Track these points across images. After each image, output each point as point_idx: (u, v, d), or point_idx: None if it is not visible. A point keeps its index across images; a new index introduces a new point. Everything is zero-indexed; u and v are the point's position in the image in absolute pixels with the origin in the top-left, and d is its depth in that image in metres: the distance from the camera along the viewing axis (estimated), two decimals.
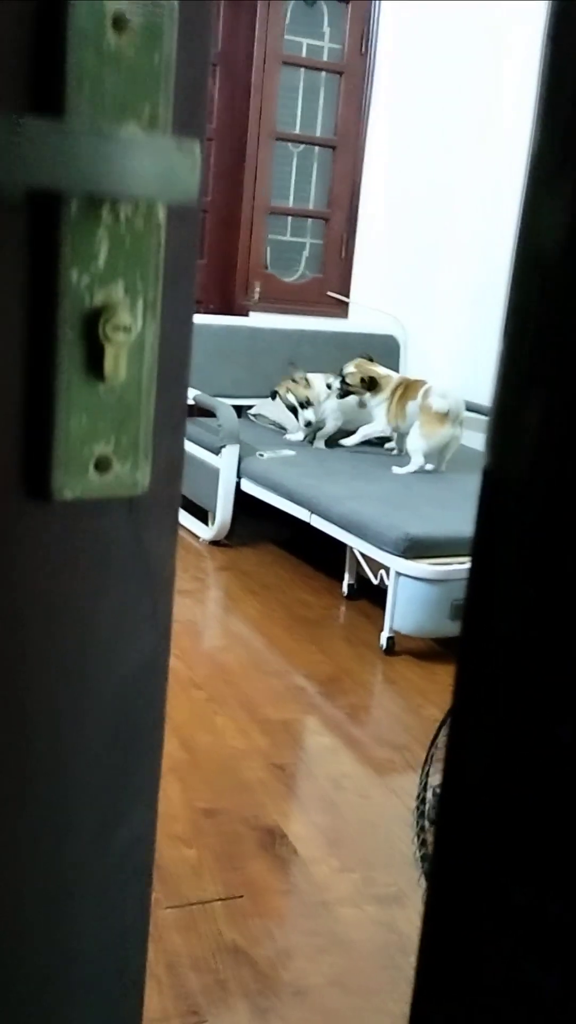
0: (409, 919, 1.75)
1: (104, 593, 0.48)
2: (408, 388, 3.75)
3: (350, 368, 3.83)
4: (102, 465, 0.45)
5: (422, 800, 1.77)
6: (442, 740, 1.92)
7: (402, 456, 3.76)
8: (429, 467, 3.61)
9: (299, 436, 3.99)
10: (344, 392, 3.82)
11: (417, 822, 1.77)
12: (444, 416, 3.53)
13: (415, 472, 3.55)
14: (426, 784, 1.79)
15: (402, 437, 3.82)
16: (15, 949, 0.50)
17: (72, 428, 0.43)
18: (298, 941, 1.66)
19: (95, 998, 0.54)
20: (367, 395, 3.79)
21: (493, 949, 0.45)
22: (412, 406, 3.69)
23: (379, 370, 3.83)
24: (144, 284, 0.43)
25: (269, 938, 1.66)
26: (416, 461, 3.56)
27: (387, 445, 4.02)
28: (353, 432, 3.90)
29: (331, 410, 3.92)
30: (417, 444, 3.58)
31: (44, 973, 0.52)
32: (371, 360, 3.88)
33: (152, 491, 0.47)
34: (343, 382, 3.81)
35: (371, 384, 3.77)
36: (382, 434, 3.83)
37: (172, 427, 0.47)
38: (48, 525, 0.45)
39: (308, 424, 3.93)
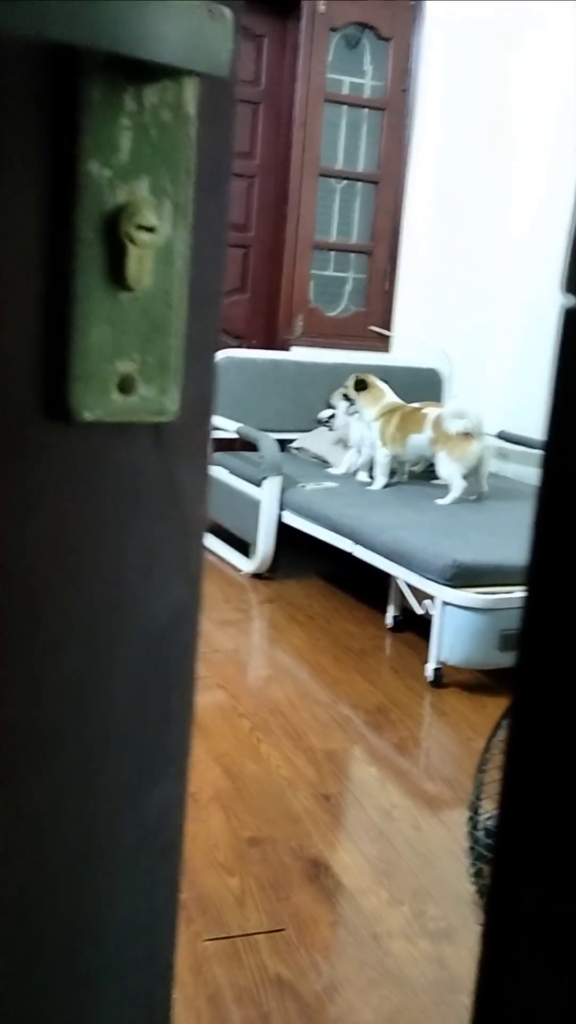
0: (460, 956, 1.66)
1: (130, 532, 0.44)
2: (407, 419, 3.65)
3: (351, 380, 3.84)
4: (126, 385, 0.41)
5: (474, 829, 1.69)
6: (490, 770, 1.84)
7: (444, 488, 3.68)
8: (472, 497, 3.53)
9: (342, 469, 3.96)
10: (348, 400, 3.82)
11: (472, 852, 1.69)
12: (467, 435, 3.48)
13: (458, 500, 3.48)
14: (476, 815, 1.71)
15: (402, 464, 3.80)
16: (34, 927, 0.46)
17: (93, 341, 0.40)
18: (346, 974, 1.59)
19: (121, 983, 0.49)
20: (356, 396, 3.75)
21: (555, 984, 0.40)
22: (419, 439, 3.60)
23: (372, 379, 3.79)
24: (173, 184, 0.40)
25: (315, 971, 1.59)
26: (456, 486, 3.49)
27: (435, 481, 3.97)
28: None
29: (344, 423, 3.91)
30: (451, 470, 3.52)
31: (66, 955, 0.47)
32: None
33: (182, 421, 0.44)
34: (344, 396, 3.83)
35: (359, 385, 3.73)
36: (388, 458, 3.72)
37: (204, 351, 0.44)
38: (67, 451, 0.41)
39: (320, 421, 3.93)
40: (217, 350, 0.44)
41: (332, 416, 4.07)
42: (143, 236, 0.39)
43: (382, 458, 3.70)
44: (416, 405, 3.74)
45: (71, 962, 0.48)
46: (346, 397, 3.84)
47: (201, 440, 0.45)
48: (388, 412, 3.69)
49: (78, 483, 0.42)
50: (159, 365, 0.42)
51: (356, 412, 3.83)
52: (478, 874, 1.64)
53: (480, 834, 1.61)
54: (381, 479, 3.70)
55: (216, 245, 0.42)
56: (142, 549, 0.45)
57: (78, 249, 0.38)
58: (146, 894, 0.49)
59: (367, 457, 3.84)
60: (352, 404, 3.82)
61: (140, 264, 0.39)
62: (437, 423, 3.54)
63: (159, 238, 0.39)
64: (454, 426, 3.47)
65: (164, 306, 0.41)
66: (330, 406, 4.07)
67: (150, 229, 0.39)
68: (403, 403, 3.76)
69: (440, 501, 3.47)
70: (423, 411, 3.65)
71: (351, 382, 3.82)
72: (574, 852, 0.39)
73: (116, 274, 0.39)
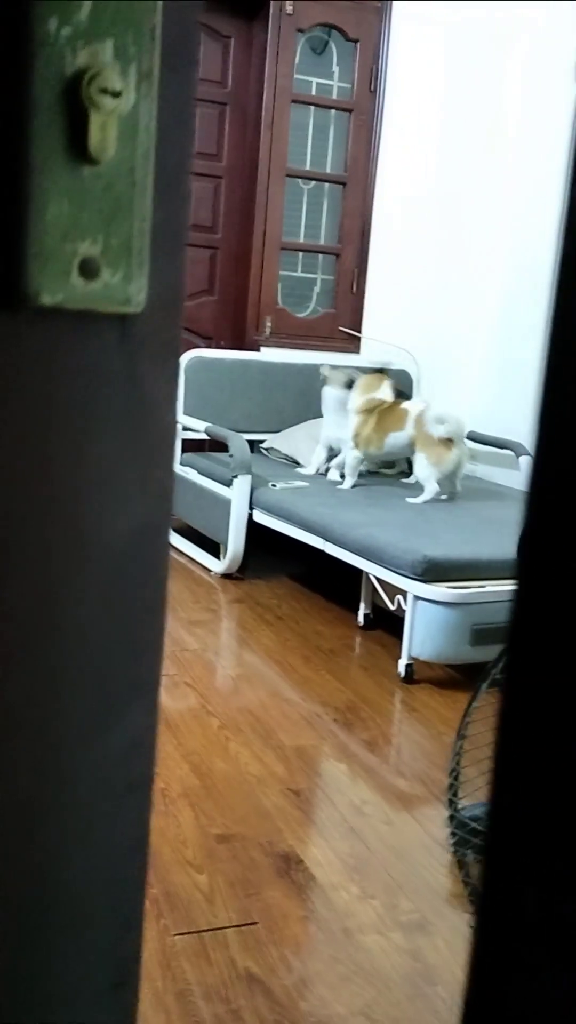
0: (435, 947, 1.63)
1: (90, 439, 0.41)
2: (386, 415, 3.59)
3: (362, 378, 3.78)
4: (88, 269, 0.38)
5: (455, 813, 1.66)
6: (465, 755, 1.82)
7: (415, 487, 3.67)
8: (443, 497, 3.52)
9: (312, 470, 3.94)
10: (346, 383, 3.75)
11: (453, 839, 1.66)
12: (448, 441, 3.44)
13: (430, 501, 3.46)
14: (455, 802, 1.68)
15: (372, 461, 3.75)
16: None
17: (51, 218, 0.37)
18: (318, 969, 1.55)
19: (85, 934, 0.46)
20: (345, 392, 3.72)
21: (548, 982, 0.38)
22: (399, 437, 3.55)
23: (377, 383, 3.74)
24: (138, 48, 0.37)
25: (286, 967, 1.55)
26: (430, 489, 3.47)
27: (404, 479, 3.96)
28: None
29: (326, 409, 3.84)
30: (427, 473, 3.48)
31: (24, 901, 0.44)
32: (399, 393, 3.83)
33: (149, 315, 0.41)
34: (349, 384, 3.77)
35: (350, 384, 3.71)
36: (358, 460, 3.67)
37: (173, 237, 0.41)
38: (23, 339, 0.38)
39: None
40: (186, 239, 0.41)
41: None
42: (106, 101, 0.36)
43: (351, 459, 3.67)
44: (395, 401, 3.69)
45: (30, 909, 0.44)
46: (350, 385, 3.75)
47: (170, 340, 0.42)
48: (368, 410, 3.64)
49: (33, 381, 0.39)
50: (123, 248, 0.39)
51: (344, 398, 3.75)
52: (461, 864, 1.61)
53: (461, 815, 1.59)
54: (350, 479, 3.67)
55: (184, 120, 0.39)
56: (104, 459, 0.41)
57: (35, 115, 0.35)
58: (112, 835, 0.46)
59: (342, 457, 3.79)
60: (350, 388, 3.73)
61: (103, 132, 0.36)
62: (419, 421, 3.49)
63: (123, 105, 0.37)
64: (436, 431, 3.43)
65: (128, 182, 0.38)
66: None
67: (115, 94, 0.36)
68: (380, 400, 3.70)
69: (411, 500, 3.46)
70: (402, 406, 3.60)
71: (361, 379, 3.75)
72: (571, 844, 0.37)
73: (77, 144, 0.36)
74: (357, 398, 3.68)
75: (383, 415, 3.61)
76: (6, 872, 0.44)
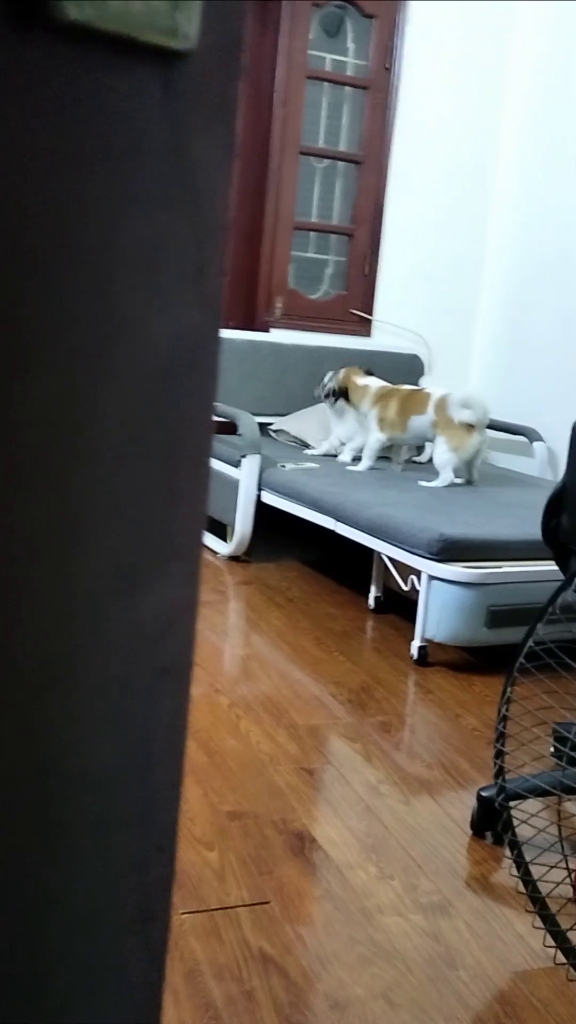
0: (457, 930, 1.55)
1: (123, 213, 0.32)
2: (408, 400, 3.53)
3: (339, 374, 3.72)
4: None
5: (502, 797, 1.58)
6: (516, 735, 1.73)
7: (428, 470, 3.59)
8: (459, 480, 3.44)
9: (322, 450, 3.86)
10: (334, 395, 3.70)
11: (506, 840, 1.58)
12: (470, 426, 3.36)
13: (441, 487, 3.38)
14: (503, 779, 1.60)
15: (399, 448, 3.68)
16: None
17: None
18: (336, 950, 1.47)
19: (107, 844, 0.37)
20: (339, 402, 3.69)
21: None
22: (420, 421, 3.47)
23: (358, 380, 3.66)
24: None
25: (302, 946, 1.47)
26: (446, 476, 3.38)
27: (415, 458, 3.88)
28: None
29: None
30: (446, 459, 3.39)
31: (33, 801, 0.35)
32: (368, 373, 3.74)
33: (199, 61, 0.32)
34: (332, 391, 3.71)
35: (342, 392, 3.64)
36: (380, 444, 3.62)
37: None
38: (43, 68, 0.30)
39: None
40: None
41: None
42: None
43: (374, 442, 3.60)
44: (416, 387, 3.62)
45: (39, 815, 0.36)
46: (334, 394, 3.71)
47: (226, 100, 0.34)
48: (383, 397, 3.57)
49: (51, 125, 0.31)
50: None
51: (342, 409, 3.72)
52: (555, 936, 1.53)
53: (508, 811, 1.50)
54: (367, 461, 3.62)
55: None
56: (139, 243, 0.33)
57: None
58: (140, 729, 0.38)
59: (359, 442, 3.72)
60: (337, 400, 3.70)
61: None
62: (441, 405, 3.41)
63: None
64: (460, 415, 3.35)
65: None
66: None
67: None
68: (394, 386, 3.62)
69: (426, 483, 3.37)
70: (425, 391, 3.52)
71: (333, 382, 3.69)
72: None
73: None
74: (363, 402, 3.61)
75: (405, 399, 3.53)
76: (12, 767, 0.35)
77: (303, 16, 4.10)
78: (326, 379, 3.79)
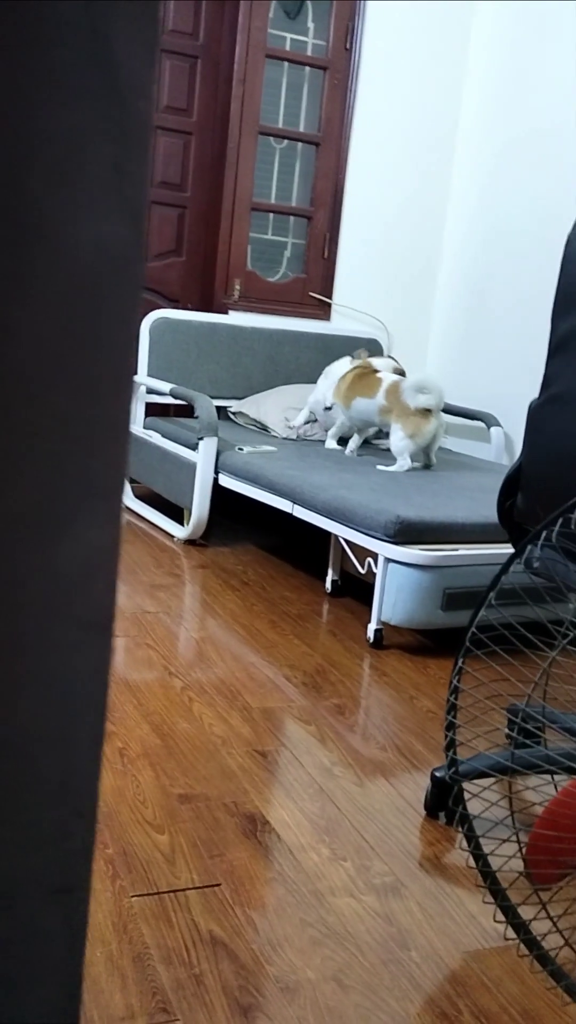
0: (409, 911, 1.54)
1: (38, 105, 0.29)
2: (359, 380, 3.52)
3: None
4: None
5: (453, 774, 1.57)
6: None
7: (386, 455, 3.63)
8: (416, 464, 3.44)
9: (299, 421, 3.84)
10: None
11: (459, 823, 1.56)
12: (427, 411, 3.35)
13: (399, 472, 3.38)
14: (454, 752, 1.59)
15: (352, 431, 3.70)
16: None
17: None
18: (287, 933, 1.45)
19: (25, 814, 0.34)
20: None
21: None
22: (366, 404, 3.46)
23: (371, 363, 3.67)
24: None
25: (253, 929, 1.44)
26: (403, 463, 3.37)
27: (376, 441, 3.87)
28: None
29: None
30: (403, 445, 3.37)
31: None
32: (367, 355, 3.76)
33: None
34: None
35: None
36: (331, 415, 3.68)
37: None
38: None
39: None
40: None
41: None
42: None
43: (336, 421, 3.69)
44: (376, 370, 3.58)
45: None
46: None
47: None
48: (353, 372, 3.60)
49: None
50: None
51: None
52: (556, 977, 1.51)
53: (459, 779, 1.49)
54: (331, 440, 3.72)
55: None
56: (55, 137, 0.30)
57: None
58: (60, 687, 0.35)
59: (338, 425, 3.75)
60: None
61: None
62: (393, 391, 3.39)
63: None
64: (415, 401, 3.31)
65: None
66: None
67: None
68: (369, 366, 3.63)
69: (383, 468, 3.37)
70: (378, 375, 3.49)
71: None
72: None
73: None
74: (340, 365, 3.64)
75: (357, 379, 3.53)
76: None
77: None
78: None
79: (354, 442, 3.65)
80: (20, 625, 0.34)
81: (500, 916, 1.40)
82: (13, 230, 0.30)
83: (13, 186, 0.29)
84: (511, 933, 1.36)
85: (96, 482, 0.34)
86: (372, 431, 3.74)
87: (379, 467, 3.37)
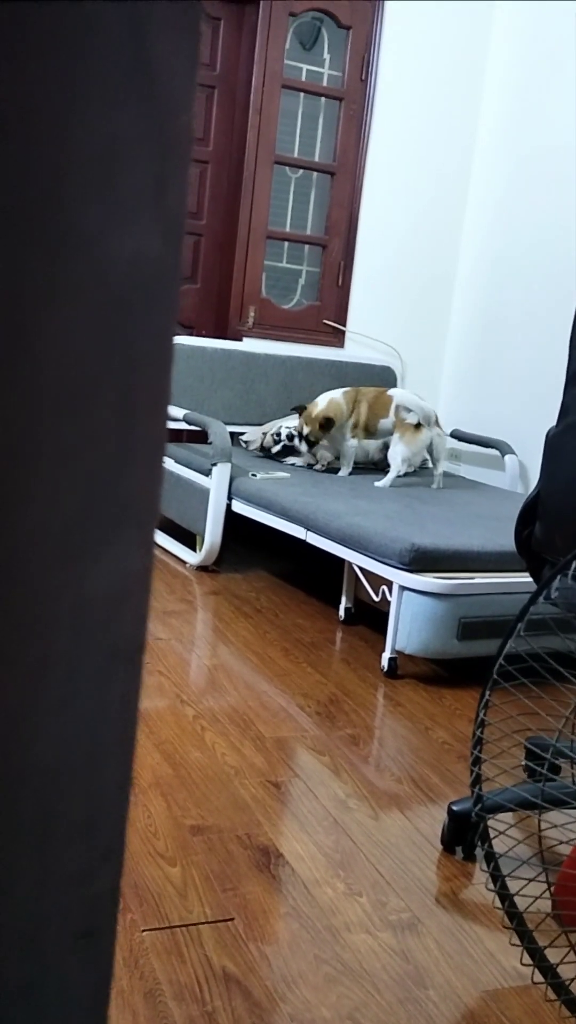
0: (427, 948, 1.50)
1: (82, 105, 0.28)
2: (374, 404, 3.69)
3: (292, 424, 3.81)
4: None
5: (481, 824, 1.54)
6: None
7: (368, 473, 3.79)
8: (410, 469, 3.63)
9: (300, 461, 3.85)
10: (309, 443, 3.72)
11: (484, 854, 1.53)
12: (418, 425, 3.53)
13: (399, 477, 3.56)
14: (480, 788, 1.56)
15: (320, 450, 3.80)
16: None
17: None
18: (302, 970, 1.41)
19: (48, 856, 0.33)
20: (326, 435, 3.70)
21: None
22: (384, 423, 3.67)
23: (316, 411, 3.69)
24: None
25: (267, 966, 1.41)
26: (395, 469, 3.57)
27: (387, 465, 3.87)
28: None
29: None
30: (397, 451, 3.57)
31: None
32: (301, 410, 3.77)
33: None
34: (304, 438, 3.73)
35: (328, 424, 3.65)
36: (352, 449, 3.75)
37: None
38: None
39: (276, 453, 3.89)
40: None
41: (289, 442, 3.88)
42: None
43: (348, 449, 3.74)
44: (378, 389, 3.74)
45: None
46: (307, 440, 3.73)
47: (191, 5, 0.30)
48: (353, 413, 3.71)
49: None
50: None
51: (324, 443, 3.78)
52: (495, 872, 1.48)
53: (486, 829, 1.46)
54: (347, 468, 3.76)
55: None
56: (93, 147, 0.29)
57: None
58: (87, 719, 0.33)
59: (324, 453, 3.85)
60: (316, 443, 3.73)
61: None
62: (397, 409, 3.62)
63: None
64: (409, 418, 3.55)
65: None
66: (287, 436, 3.89)
67: None
68: (354, 391, 3.73)
69: (378, 483, 3.52)
70: (388, 393, 3.68)
71: (313, 425, 3.68)
72: None
73: None
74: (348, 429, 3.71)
75: (372, 404, 3.70)
76: None
77: (279, 24, 4.09)
78: (276, 435, 3.84)
79: (345, 469, 3.76)
80: (47, 652, 0.32)
81: (527, 959, 1.36)
82: (47, 242, 0.29)
83: (48, 196, 0.28)
84: (538, 976, 1.33)
85: (130, 506, 0.32)
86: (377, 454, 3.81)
87: (376, 484, 3.54)
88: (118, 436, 0.31)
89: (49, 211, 0.28)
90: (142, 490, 0.33)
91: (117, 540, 0.32)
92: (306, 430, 3.69)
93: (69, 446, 0.30)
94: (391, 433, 3.65)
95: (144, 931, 1.46)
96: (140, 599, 0.34)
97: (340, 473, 3.73)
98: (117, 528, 0.32)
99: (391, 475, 3.56)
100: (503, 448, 4.10)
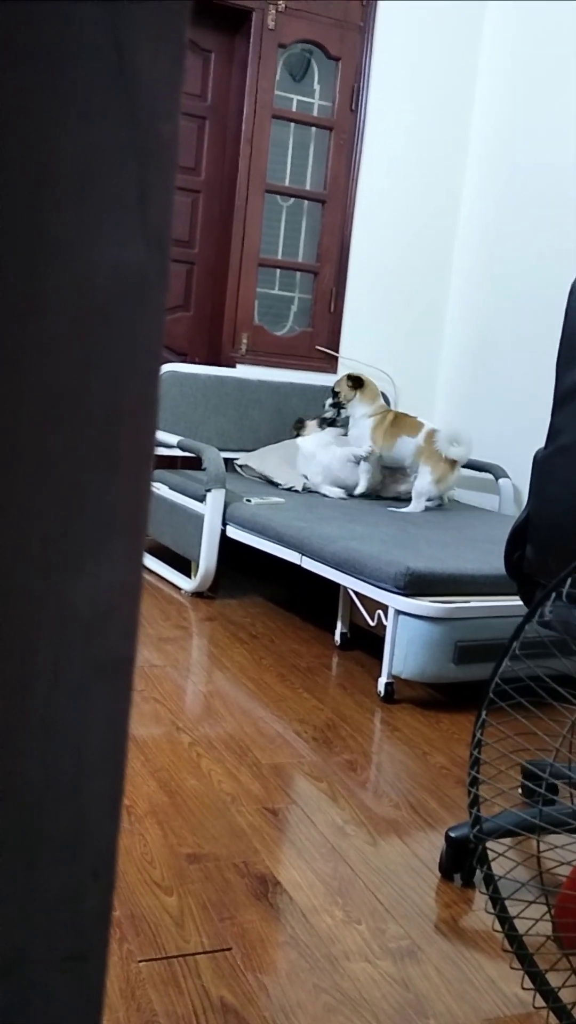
0: (427, 976, 1.48)
1: (61, 115, 0.28)
2: (401, 420, 3.71)
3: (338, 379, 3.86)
4: None
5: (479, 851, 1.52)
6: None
7: (399, 500, 3.74)
8: (430, 504, 3.59)
9: (296, 484, 3.85)
10: (335, 405, 3.79)
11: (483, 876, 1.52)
12: (454, 463, 3.57)
13: (412, 513, 3.49)
14: (478, 809, 1.54)
15: (376, 466, 3.79)
16: None
17: None
18: (300, 999, 1.39)
19: (35, 875, 0.32)
20: (355, 395, 3.76)
21: None
22: (408, 443, 3.65)
23: (366, 377, 3.82)
24: None
25: (265, 995, 1.39)
26: (419, 504, 3.57)
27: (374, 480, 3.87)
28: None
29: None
30: (427, 488, 3.56)
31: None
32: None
33: None
34: (333, 395, 3.83)
35: (357, 383, 3.75)
36: (365, 452, 3.73)
37: None
38: None
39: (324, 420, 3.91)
40: None
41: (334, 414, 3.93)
42: None
43: (364, 466, 3.76)
44: (409, 414, 3.80)
45: None
46: (335, 405, 3.80)
47: (176, 10, 0.30)
48: (383, 413, 3.76)
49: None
50: None
51: (347, 415, 3.83)
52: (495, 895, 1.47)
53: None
54: (364, 481, 3.76)
55: None
56: (73, 156, 0.29)
57: None
58: (72, 730, 0.33)
59: (339, 475, 3.83)
60: (341, 409, 3.82)
61: None
62: (430, 437, 3.60)
63: None
64: (453, 452, 3.54)
65: None
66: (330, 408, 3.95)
67: None
68: (385, 407, 3.83)
69: (395, 510, 3.53)
70: (419, 419, 3.70)
71: (342, 384, 3.78)
72: None
73: None
74: (367, 406, 3.77)
75: (399, 419, 3.72)
76: None
77: (270, 56, 4.14)
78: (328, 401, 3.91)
79: (367, 478, 3.77)
80: (31, 666, 0.32)
81: (528, 983, 1.35)
82: (26, 251, 0.28)
83: (27, 204, 0.28)
84: (539, 1001, 1.31)
85: (116, 517, 0.32)
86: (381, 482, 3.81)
87: (390, 509, 3.49)
88: (102, 447, 0.31)
89: (28, 220, 0.28)
90: (128, 502, 0.32)
91: (102, 552, 0.32)
92: (336, 394, 3.76)
93: (51, 457, 0.30)
94: (405, 458, 3.63)
95: (141, 961, 1.43)
96: (127, 613, 0.34)
97: (356, 491, 3.75)
98: (102, 540, 0.32)
99: (412, 508, 3.54)
100: (497, 472, 4.11)
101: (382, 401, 3.85)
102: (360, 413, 3.76)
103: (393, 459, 3.73)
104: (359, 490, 3.76)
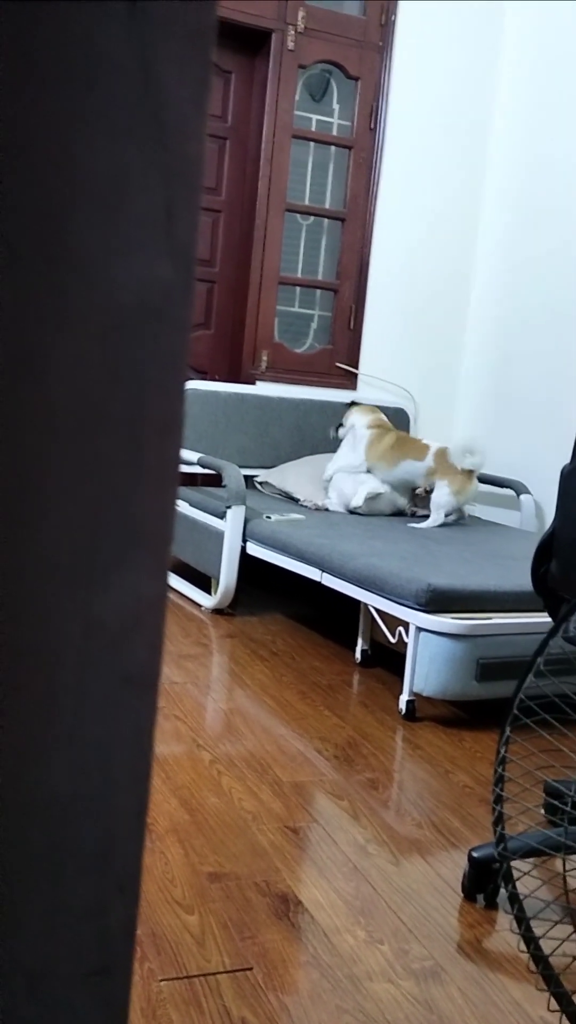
0: (450, 997, 1.47)
1: (89, 135, 0.28)
2: (406, 443, 3.70)
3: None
4: None
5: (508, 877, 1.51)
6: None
7: (415, 517, 3.73)
8: (450, 519, 3.57)
9: (315, 502, 3.85)
10: (339, 427, 3.91)
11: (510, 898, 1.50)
12: (471, 472, 3.55)
13: (432, 527, 3.51)
14: (503, 827, 1.53)
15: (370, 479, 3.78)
16: None
17: None
18: (323, 1020, 1.38)
19: (59, 889, 0.32)
20: (352, 410, 3.82)
21: None
22: (416, 467, 3.64)
23: (366, 409, 3.86)
24: None
25: (287, 1016, 1.38)
26: (437, 517, 3.57)
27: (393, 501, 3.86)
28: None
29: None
30: (447, 501, 3.57)
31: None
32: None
33: None
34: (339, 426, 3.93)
35: (350, 405, 3.87)
36: (357, 468, 3.74)
37: None
38: None
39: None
40: None
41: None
42: None
43: (358, 464, 3.77)
44: (408, 435, 3.81)
45: None
46: (339, 427, 3.89)
47: (201, 29, 0.30)
48: (381, 427, 3.75)
49: (4, 44, 0.27)
50: None
51: (347, 433, 3.86)
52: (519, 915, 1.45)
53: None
54: (362, 494, 3.75)
55: None
56: (100, 176, 0.29)
57: None
58: (98, 744, 0.33)
59: (349, 493, 3.82)
60: (341, 428, 3.85)
61: None
62: (441, 455, 3.59)
63: None
64: (463, 462, 3.53)
65: None
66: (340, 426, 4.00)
67: None
68: (385, 424, 3.82)
69: (415, 525, 3.50)
70: (425, 442, 3.69)
71: (346, 411, 3.91)
72: None
73: None
74: (363, 418, 3.77)
75: (403, 441, 3.71)
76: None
77: (289, 76, 4.17)
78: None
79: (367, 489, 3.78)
80: (58, 679, 0.32)
81: (554, 1005, 1.33)
82: (55, 268, 0.29)
83: (56, 223, 0.29)
84: (567, 1023, 1.29)
85: (142, 531, 0.32)
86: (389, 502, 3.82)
87: (411, 525, 3.49)
88: (128, 460, 0.31)
89: (56, 238, 0.29)
90: (153, 515, 0.32)
91: (128, 565, 0.32)
92: (341, 425, 3.87)
93: (78, 470, 0.30)
94: (414, 480, 3.64)
95: (162, 980, 1.43)
96: (153, 626, 0.34)
97: (352, 503, 3.72)
98: (128, 553, 0.32)
99: (432, 524, 3.54)
100: (518, 488, 4.09)
101: (382, 416, 3.83)
102: (357, 424, 3.78)
103: (397, 480, 3.71)
104: (355, 503, 3.70)
